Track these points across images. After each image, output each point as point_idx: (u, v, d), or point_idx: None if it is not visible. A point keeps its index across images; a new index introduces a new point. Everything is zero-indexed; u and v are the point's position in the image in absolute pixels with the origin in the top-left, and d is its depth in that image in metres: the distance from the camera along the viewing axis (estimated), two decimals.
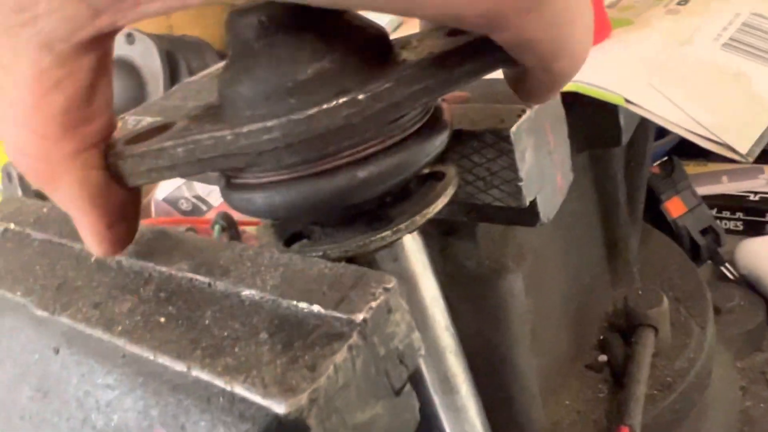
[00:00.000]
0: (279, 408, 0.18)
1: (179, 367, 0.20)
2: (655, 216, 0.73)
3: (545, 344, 0.48)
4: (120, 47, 0.89)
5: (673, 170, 0.74)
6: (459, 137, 0.30)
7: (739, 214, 0.81)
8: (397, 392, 0.21)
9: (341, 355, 0.19)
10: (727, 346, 0.64)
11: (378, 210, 0.26)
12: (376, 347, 0.20)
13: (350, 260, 0.25)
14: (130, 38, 0.90)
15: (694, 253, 0.72)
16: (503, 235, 0.40)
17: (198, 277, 0.24)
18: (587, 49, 0.22)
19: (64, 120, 0.21)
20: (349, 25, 0.22)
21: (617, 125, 0.42)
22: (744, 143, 0.36)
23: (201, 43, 0.99)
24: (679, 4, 0.50)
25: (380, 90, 0.21)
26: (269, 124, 0.21)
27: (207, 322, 0.22)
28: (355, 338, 0.19)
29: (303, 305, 0.21)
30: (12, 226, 0.31)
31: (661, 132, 0.81)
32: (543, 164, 0.31)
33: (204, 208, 0.85)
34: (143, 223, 0.26)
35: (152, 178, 0.23)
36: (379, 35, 0.23)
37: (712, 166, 0.85)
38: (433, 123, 0.25)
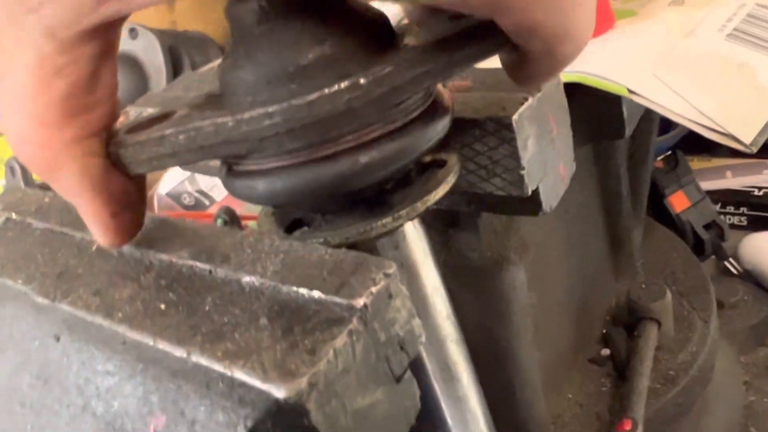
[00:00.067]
0: (278, 392, 0.18)
1: (179, 352, 0.20)
2: (659, 210, 0.73)
3: (548, 337, 0.48)
4: (123, 42, 0.89)
5: (677, 165, 0.74)
6: (461, 125, 0.30)
7: (743, 209, 0.81)
8: (398, 379, 0.21)
9: (341, 340, 0.19)
10: (730, 341, 0.64)
11: (379, 197, 0.26)
12: (376, 333, 0.20)
13: (351, 247, 0.25)
14: (133, 33, 0.90)
15: (698, 247, 0.72)
16: (506, 227, 0.40)
17: (198, 264, 0.24)
18: (590, 33, 0.22)
19: (65, 107, 0.21)
20: (350, 9, 0.22)
21: (620, 116, 0.42)
22: (748, 133, 0.36)
23: (204, 39, 0.99)
24: None
25: (382, 74, 0.21)
26: (270, 109, 0.21)
27: (207, 308, 0.22)
28: (355, 323, 0.19)
29: (303, 291, 0.21)
30: (14, 215, 0.32)
31: (666, 127, 0.81)
32: (545, 153, 0.31)
33: (207, 202, 0.85)
34: None
35: (154, 166, 0.23)
36: (380, 20, 0.23)
37: (717, 161, 0.85)
38: (434, 108, 0.25)
